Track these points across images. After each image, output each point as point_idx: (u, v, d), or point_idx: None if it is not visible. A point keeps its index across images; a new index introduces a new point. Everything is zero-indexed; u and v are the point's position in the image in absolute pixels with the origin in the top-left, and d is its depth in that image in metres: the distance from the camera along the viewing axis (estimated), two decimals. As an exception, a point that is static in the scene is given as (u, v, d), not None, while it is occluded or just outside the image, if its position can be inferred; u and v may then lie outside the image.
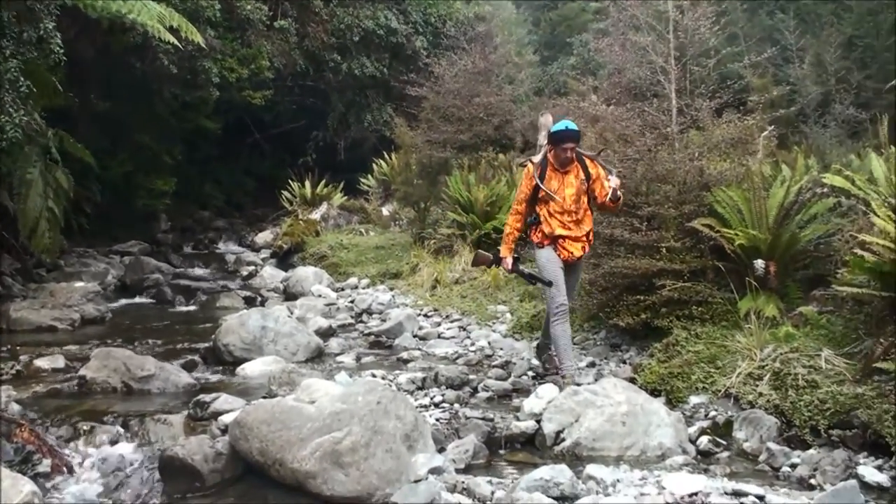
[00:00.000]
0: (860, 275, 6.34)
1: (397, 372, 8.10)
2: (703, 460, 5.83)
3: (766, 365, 6.47)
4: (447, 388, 7.47)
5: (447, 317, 10.98)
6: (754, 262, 7.42)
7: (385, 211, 20.11)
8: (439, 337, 10.02)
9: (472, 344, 9.43)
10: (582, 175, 7.20)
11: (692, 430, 6.20)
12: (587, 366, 8.01)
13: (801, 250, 7.69)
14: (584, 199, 7.25)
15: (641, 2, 9.82)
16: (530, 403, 6.57)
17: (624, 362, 8.00)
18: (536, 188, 7.22)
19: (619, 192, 6.99)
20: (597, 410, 6.05)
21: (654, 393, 6.83)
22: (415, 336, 10.01)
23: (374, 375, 7.87)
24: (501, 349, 8.99)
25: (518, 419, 6.48)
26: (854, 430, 5.67)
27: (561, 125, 7.15)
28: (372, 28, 22.39)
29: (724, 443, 6.03)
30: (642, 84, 9.53)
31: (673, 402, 6.73)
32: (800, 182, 8.07)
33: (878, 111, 10.27)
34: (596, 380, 7.14)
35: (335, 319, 11.26)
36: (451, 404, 6.98)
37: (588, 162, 7.27)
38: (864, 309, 6.56)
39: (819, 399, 5.89)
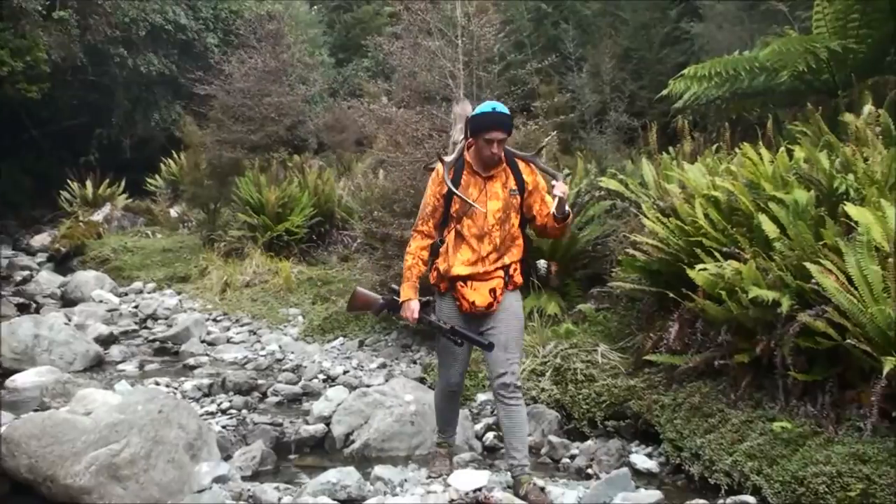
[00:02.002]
0: (632, 273, 6.71)
1: (183, 379, 7.82)
2: (489, 456, 5.99)
3: (548, 361, 6.72)
4: (235, 393, 7.29)
5: (237, 321, 10.71)
6: (537, 262, 7.70)
7: (173, 212, 19.35)
8: (228, 342, 9.75)
9: (263, 348, 9.24)
10: (513, 183, 4.76)
11: (479, 426, 6.35)
12: (378, 367, 8.04)
13: (581, 251, 8.06)
14: (515, 218, 4.78)
15: (432, 6, 9.96)
16: (320, 406, 6.53)
17: (414, 362, 8.10)
18: (448, 199, 4.74)
19: (567, 206, 4.77)
20: (386, 411, 6.08)
21: (443, 391, 6.91)
22: (203, 341, 9.68)
23: (157, 383, 7.55)
24: (293, 353, 8.86)
25: (308, 423, 6.43)
26: (627, 420, 6.01)
27: (486, 106, 4.69)
28: (160, 23, 21.48)
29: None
30: (432, 88, 9.66)
31: (461, 400, 6.83)
32: (579, 185, 8.46)
33: (650, 119, 10.95)
34: (386, 380, 7.18)
35: (118, 326, 10.70)
36: (239, 410, 6.82)
37: (522, 165, 4.81)
38: (637, 305, 6.95)
39: (595, 392, 6.19)
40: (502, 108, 4.64)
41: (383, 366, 8.08)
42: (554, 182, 4.67)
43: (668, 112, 10.82)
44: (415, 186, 8.54)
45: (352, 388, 7.03)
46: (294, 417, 6.63)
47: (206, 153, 14.98)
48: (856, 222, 4.96)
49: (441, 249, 4.73)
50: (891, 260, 4.67)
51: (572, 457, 5.79)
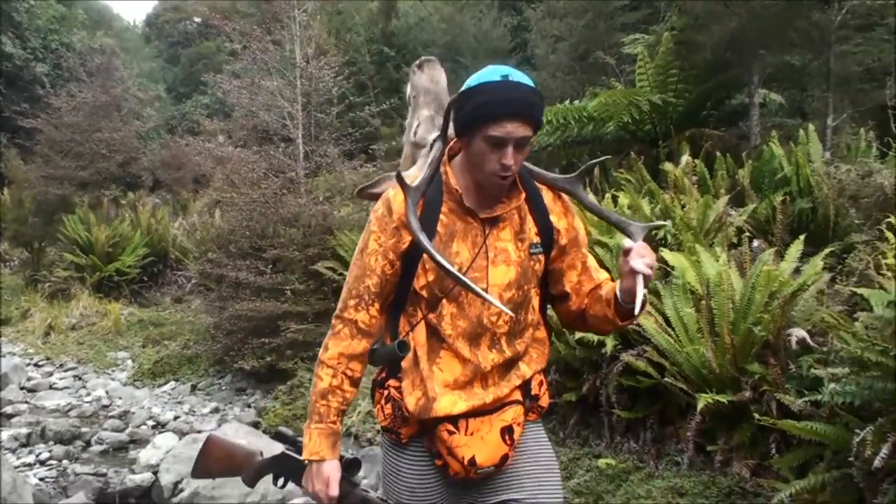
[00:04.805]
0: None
1: (-1, 429, 7.36)
2: (323, 500, 5.90)
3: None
4: (56, 443, 6.93)
5: (61, 366, 10.18)
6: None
7: (-7, 251, 18.26)
8: (51, 388, 9.25)
9: (88, 394, 8.82)
10: (533, 232, 2.30)
11: (313, 470, 6.25)
12: (211, 412, 7.83)
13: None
14: (535, 295, 2.35)
15: (273, 46, 9.94)
16: (147, 454, 6.30)
17: (249, 406, 7.93)
18: (410, 263, 2.23)
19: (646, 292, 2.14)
20: (217, 458, 5.90)
21: (278, 436, 6.81)
22: (22, 388, 9.14)
23: (-32, 435, 7.07)
24: (120, 398, 8.50)
25: (134, 472, 6.18)
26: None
27: (490, 73, 2.13)
28: (-17, 51, 20.43)
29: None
30: (271, 128, 9.61)
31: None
32: (416, 227, 8.56)
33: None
34: (219, 425, 7.01)
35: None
36: (60, 461, 6.48)
37: (548, 198, 2.34)
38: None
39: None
40: (521, 75, 2.12)
41: (216, 410, 7.88)
42: (627, 243, 2.14)
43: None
44: (251, 227, 8.45)
45: (182, 434, 6.82)
46: (119, 467, 6.36)
47: (30, 189, 14.29)
48: (672, 266, 5.23)
49: (403, 363, 2.24)
50: (704, 302, 4.96)
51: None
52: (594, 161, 2.44)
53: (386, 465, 2.39)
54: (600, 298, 2.30)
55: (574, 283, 2.38)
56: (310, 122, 9.38)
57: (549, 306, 2.49)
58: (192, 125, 21.66)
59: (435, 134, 2.74)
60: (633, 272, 2.08)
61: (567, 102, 9.56)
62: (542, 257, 2.31)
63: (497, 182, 2.13)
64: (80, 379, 9.58)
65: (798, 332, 4.29)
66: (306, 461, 2.29)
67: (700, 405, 4.35)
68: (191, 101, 25.95)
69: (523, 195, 2.23)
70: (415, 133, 3.88)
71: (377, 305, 2.26)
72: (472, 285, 2.07)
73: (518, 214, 2.26)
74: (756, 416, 4.04)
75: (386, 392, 2.29)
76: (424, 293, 2.22)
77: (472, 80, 2.14)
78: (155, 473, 6.06)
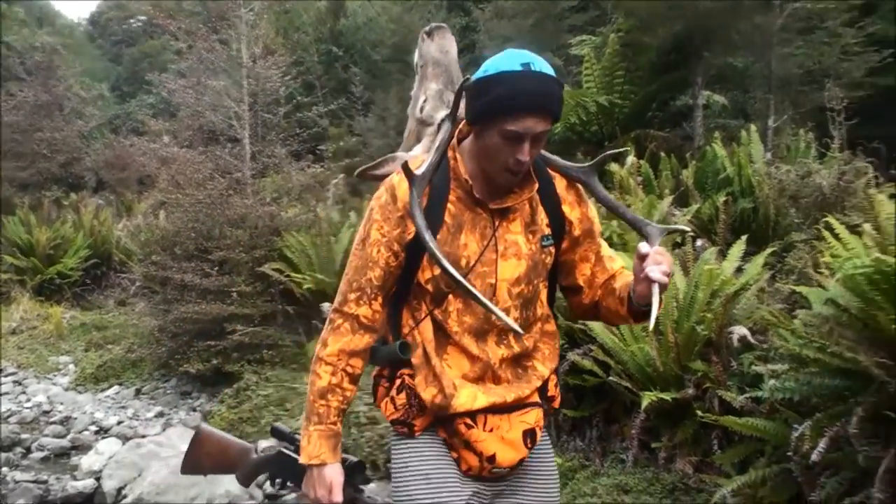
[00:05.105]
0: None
1: (-68, 437, 7.17)
2: (269, 503, 5.86)
3: (329, 404, 6.68)
4: (-6, 450, 6.77)
5: (0, 371, 9.94)
6: (322, 305, 7.67)
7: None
8: (-10, 394, 9.03)
9: (29, 399, 8.62)
10: (545, 223, 2.17)
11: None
12: (155, 416, 7.72)
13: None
14: (543, 288, 2.24)
15: (219, 45, 9.83)
16: (89, 460, 6.19)
17: (194, 410, 7.84)
18: (413, 255, 2.10)
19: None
20: (161, 462, 5.83)
21: (224, 439, 6.75)
22: (-42, 395, 8.92)
23: None
24: (62, 404, 8.34)
25: (76, 478, 6.07)
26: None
27: (510, 59, 1.94)
28: (-84, 48, 19.92)
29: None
30: (217, 128, 9.50)
31: (241, 448, 6.68)
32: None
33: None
34: (164, 430, 6.92)
35: None
36: (-1, 468, 6.33)
37: (561, 186, 2.21)
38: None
39: (378, 434, 6.22)
40: (542, 63, 1.94)
41: (161, 414, 7.77)
42: (643, 247, 1.97)
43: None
44: (196, 229, 8.34)
45: (126, 439, 6.71)
46: (61, 473, 6.23)
47: (-33, 190, 13.98)
48: (617, 266, 5.28)
49: (413, 359, 2.12)
50: (648, 301, 5.01)
51: (354, 500, 5.76)
52: (610, 152, 2.38)
53: (396, 460, 2.18)
54: (614, 291, 2.17)
55: (587, 275, 2.26)
56: (257, 123, 9.29)
57: (572, 308, 2.39)
58: (137, 125, 21.32)
59: (443, 112, 2.55)
60: (649, 279, 1.93)
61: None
62: (552, 249, 2.19)
63: (509, 177, 2.01)
64: (20, 384, 9.36)
65: (740, 330, 4.36)
66: (305, 465, 2.16)
67: (644, 403, 4.40)
68: (135, 100, 25.57)
69: (536, 185, 2.09)
70: (421, 109, 3.52)
71: (380, 299, 2.13)
72: (480, 296, 1.95)
73: (529, 204, 2.14)
74: (699, 413, 4.10)
75: (399, 381, 2.15)
76: (430, 287, 2.10)
77: (490, 67, 1.96)
78: (97, 480, 5.95)
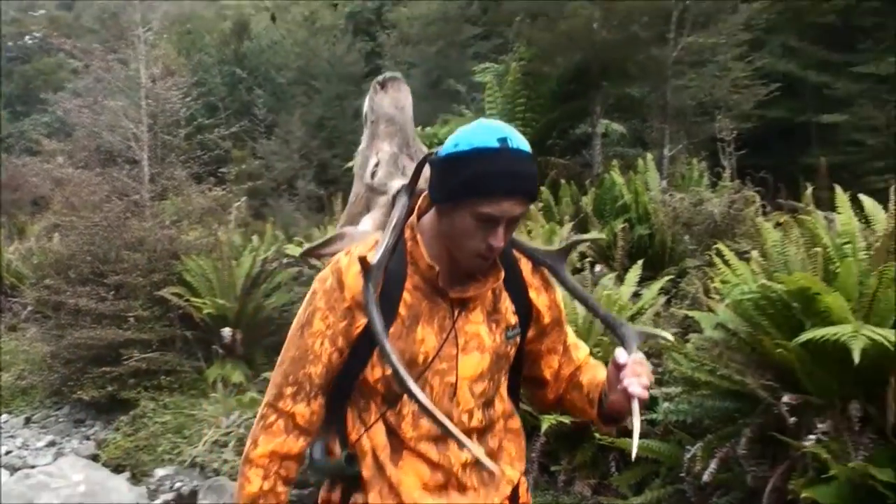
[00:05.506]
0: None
1: None
2: (168, 534, 5.73)
3: (231, 431, 6.59)
4: None
5: None
6: (222, 330, 7.57)
7: None
8: None
9: None
10: (511, 312, 1.92)
11: (156, 503, 6.06)
12: (46, 445, 7.44)
13: (267, 317, 8.05)
14: (504, 381, 1.97)
15: (119, 65, 9.63)
16: (-26, 496, 5.91)
17: (88, 438, 7.59)
18: (362, 350, 1.81)
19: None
20: (52, 493, 5.65)
21: (119, 468, 6.60)
22: None
23: None
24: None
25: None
26: (311, 487, 6.01)
27: (484, 133, 1.72)
28: None
29: None
30: (115, 149, 9.29)
31: (138, 477, 6.52)
32: (266, 252, 8.47)
33: (343, 188, 11.27)
34: (55, 459, 6.69)
35: None
36: None
37: (526, 270, 1.97)
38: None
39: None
40: (519, 138, 1.75)
41: (52, 444, 7.49)
42: (620, 356, 1.76)
43: (359, 181, 11.17)
44: (92, 252, 8.12)
45: (14, 469, 6.45)
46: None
47: None
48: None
49: (364, 472, 1.84)
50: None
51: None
52: (580, 237, 2.10)
53: None
54: (580, 387, 1.97)
55: (554, 368, 2.03)
56: (156, 144, 9.12)
57: (534, 400, 2.20)
58: (31, 144, 20.68)
59: (399, 181, 2.09)
60: (627, 394, 1.69)
61: (419, 129, 9.68)
62: (518, 340, 1.93)
63: (479, 262, 1.77)
64: None
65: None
66: None
67: (544, 427, 4.46)
68: (29, 119, 24.81)
69: (502, 274, 1.83)
70: (373, 174, 2.94)
71: (321, 399, 1.84)
72: (441, 417, 1.61)
73: (491, 291, 1.87)
74: (597, 435, 4.18)
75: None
76: (380, 387, 1.80)
77: (462, 141, 1.71)
78: (-19, 516, 5.70)
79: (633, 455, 1.74)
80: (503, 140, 1.69)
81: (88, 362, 7.71)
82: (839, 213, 3.92)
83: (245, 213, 10.60)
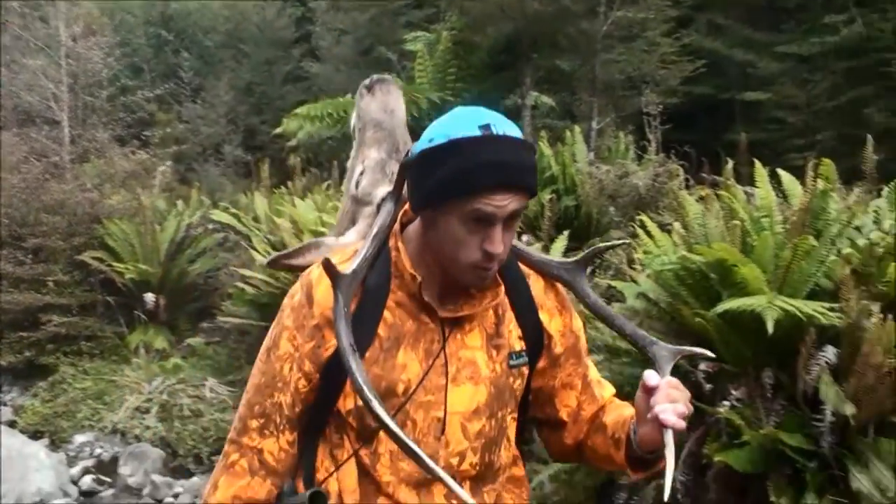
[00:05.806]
0: (242, 306, 6.74)
1: None
2: (86, 501, 5.68)
3: (154, 398, 6.55)
4: None
5: None
6: (145, 295, 7.46)
7: None
8: None
9: None
10: (516, 336, 1.60)
11: (75, 470, 6.00)
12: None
13: (191, 283, 7.98)
14: (511, 420, 1.63)
15: (40, 23, 9.34)
16: None
17: (4, 404, 7.43)
18: (331, 378, 1.52)
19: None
20: (-34, 461, 5.51)
21: (37, 435, 6.52)
22: None
23: None
24: None
25: None
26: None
27: (465, 118, 1.45)
28: None
29: (108, 480, 5.94)
30: (33, 109, 9.03)
31: (57, 443, 6.45)
32: (191, 217, 8.35)
33: (271, 154, 11.13)
34: (-31, 427, 6.53)
35: None
36: None
37: (538, 287, 1.65)
38: (247, 338, 6.98)
39: (203, 427, 6.14)
40: (505, 122, 1.46)
41: (-34, 411, 7.32)
42: (651, 378, 1.42)
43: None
44: (10, 215, 7.90)
45: (-74, 437, 6.27)
46: None
47: None
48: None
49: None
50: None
51: (176, 495, 5.67)
52: (603, 245, 1.92)
53: None
54: (604, 429, 1.63)
55: (572, 408, 1.69)
56: (77, 105, 8.90)
57: (549, 444, 1.80)
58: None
59: (385, 188, 1.87)
60: (660, 422, 1.37)
61: (349, 96, 9.61)
62: (525, 370, 1.61)
63: (479, 275, 1.46)
64: None
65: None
66: None
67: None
68: (-58, 76, 23.87)
69: (502, 289, 1.54)
70: (357, 184, 2.64)
71: (292, 434, 1.55)
72: (421, 454, 1.30)
73: (494, 310, 1.57)
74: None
75: None
76: (352, 420, 1.51)
77: (438, 133, 1.43)
78: None
79: (666, 496, 1.35)
80: (485, 126, 1.41)
81: (5, 327, 7.54)
82: (758, 188, 4.01)
83: (170, 177, 10.39)
